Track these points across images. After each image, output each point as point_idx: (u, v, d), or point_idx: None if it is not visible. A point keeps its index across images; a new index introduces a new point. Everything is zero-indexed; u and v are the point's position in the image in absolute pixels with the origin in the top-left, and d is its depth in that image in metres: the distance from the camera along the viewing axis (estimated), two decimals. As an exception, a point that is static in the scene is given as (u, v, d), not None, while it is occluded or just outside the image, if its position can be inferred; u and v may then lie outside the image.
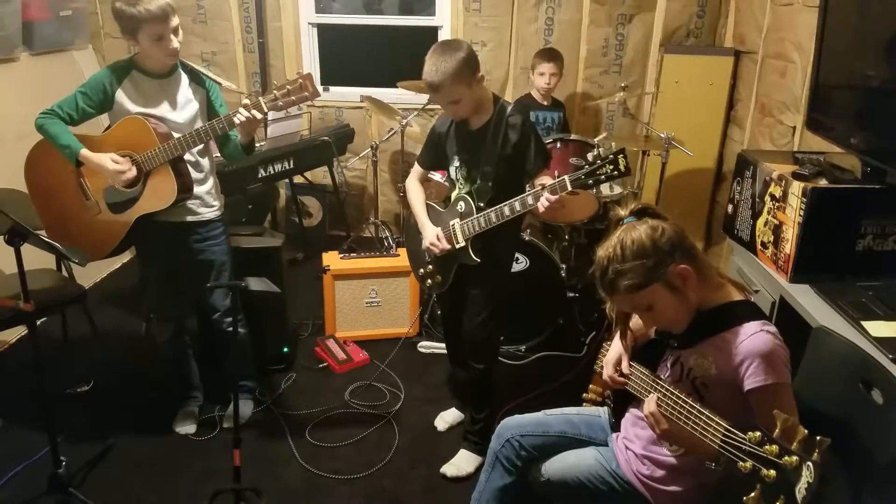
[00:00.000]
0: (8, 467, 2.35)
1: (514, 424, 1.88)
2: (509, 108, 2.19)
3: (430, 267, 2.41)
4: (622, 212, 1.58)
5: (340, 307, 3.27)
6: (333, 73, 4.52)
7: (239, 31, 4.29)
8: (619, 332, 1.71)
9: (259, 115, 2.11)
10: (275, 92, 2.07)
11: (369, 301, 3.28)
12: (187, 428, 2.61)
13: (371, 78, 4.37)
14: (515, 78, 4.15)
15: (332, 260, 3.27)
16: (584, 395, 1.90)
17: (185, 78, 2.29)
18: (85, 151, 2.16)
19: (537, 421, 1.86)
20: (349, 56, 4.56)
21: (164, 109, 2.24)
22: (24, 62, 3.53)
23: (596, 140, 3.30)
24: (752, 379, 1.38)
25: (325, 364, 3.09)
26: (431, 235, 2.30)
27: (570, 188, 1.96)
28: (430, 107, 3.68)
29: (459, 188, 2.29)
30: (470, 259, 2.23)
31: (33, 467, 2.36)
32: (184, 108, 2.28)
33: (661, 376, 1.55)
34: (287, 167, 3.81)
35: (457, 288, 2.37)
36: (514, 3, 4.01)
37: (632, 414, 1.70)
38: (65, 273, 2.95)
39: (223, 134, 2.25)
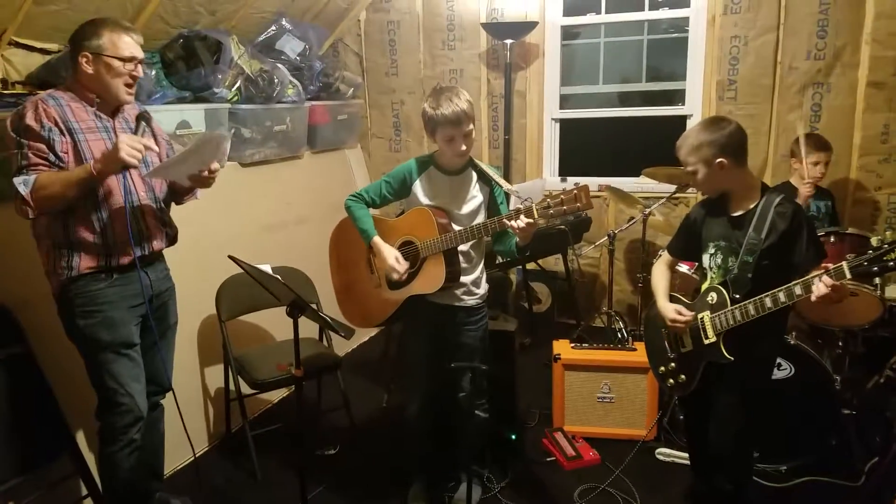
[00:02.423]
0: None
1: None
2: (778, 197, 2.02)
3: (674, 365, 2.23)
4: None
5: (570, 399, 3.14)
6: (570, 163, 4.60)
7: (486, 129, 4.60)
8: None
9: (532, 222, 2.15)
10: (548, 200, 2.09)
11: (601, 396, 3.12)
12: (419, 504, 2.65)
13: (608, 167, 4.37)
14: (775, 166, 3.85)
15: (562, 349, 3.18)
16: None
17: (473, 176, 2.45)
18: (376, 240, 2.43)
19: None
20: (587, 146, 4.63)
21: (449, 203, 2.42)
22: (307, 159, 4.12)
23: (878, 238, 2.88)
24: None
25: (553, 458, 2.97)
26: (672, 313, 2.16)
27: (848, 275, 1.72)
28: (676, 195, 3.54)
29: (712, 279, 2.13)
30: (721, 357, 2.03)
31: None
32: (467, 204, 2.43)
33: None
34: (523, 255, 3.87)
35: (704, 391, 2.16)
36: (776, 90, 3.78)
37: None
38: (325, 342, 3.26)
39: (500, 231, 2.34)
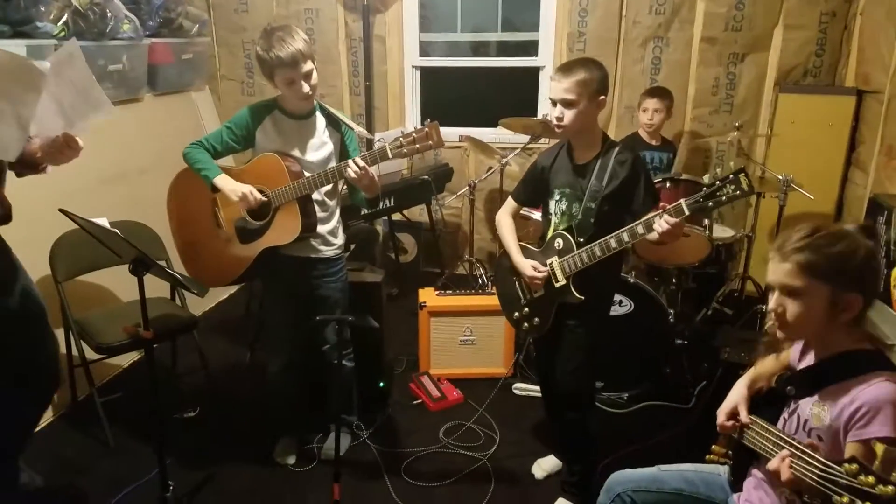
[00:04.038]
0: (118, 488, 2.44)
1: (625, 479, 1.77)
2: (617, 147, 2.13)
3: (527, 309, 2.32)
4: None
5: (435, 344, 3.25)
6: (433, 113, 4.61)
7: (346, 75, 4.46)
8: (745, 376, 1.61)
9: (371, 171, 2.15)
10: (400, 139, 2.09)
11: (464, 339, 3.24)
12: (287, 458, 2.63)
13: (469, 118, 4.43)
14: (619, 117, 4.09)
15: (428, 296, 3.26)
16: (708, 456, 1.70)
17: (322, 120, 2.37)
18: (221, 177, 2.26)
19: (651, 476, 1.75)
20: (449, 96, 4.65)
21: (299, 149, 2.32)
22: (148, 102, 3.78)
23: (710, 176, 3.18)
24: (864, 430, 1.26)
25: (420, 401, 3.07)
26: (529, 269, 2.21)
27: (687, 212, 1.85)
28: (530, 146, 3.66)
29: (556, 224, 2.21)
30: (572, 297, 2.13)
31: (141, 489, 2.43)
32: (318, 149, 2.35)
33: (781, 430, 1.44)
34: (388, 205, 3.88)
35: (552, 331, 2.27)
36: (620, 44, 3.99)
37: (754, 476, 1.57)
38: (178, 302, 3.09)
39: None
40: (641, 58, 3.99)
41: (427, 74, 4.54)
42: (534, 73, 4.29)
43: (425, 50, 4.50)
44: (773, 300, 1.44)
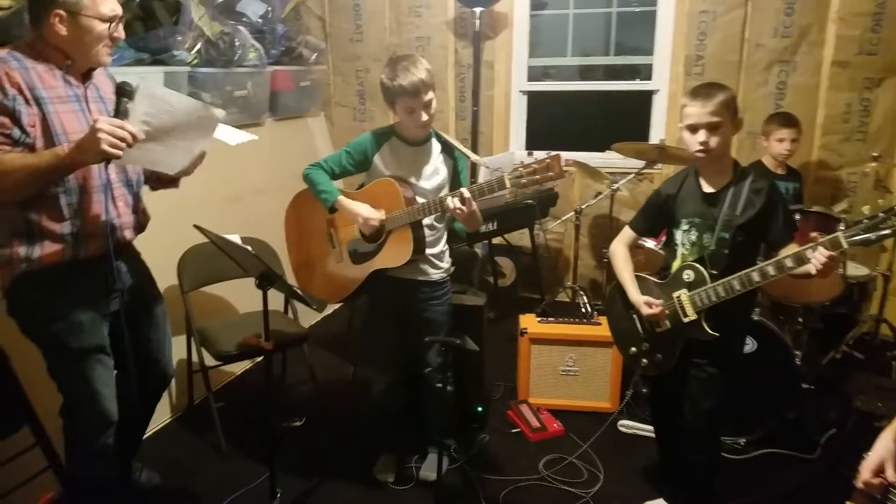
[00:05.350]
0: (227, 491, 2.53)
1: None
2: (751, 174, 2.03)
3: (647, 345, 2.20)
4: None
5: (535, 372, 3.17)
6: (537, 137, 4.58)
7: (453, 100, 4.52)
8: (890, 428, 1.47)
9: (470, 209, 2.14)
10: (520, 170, 2.05)
11: (566, 369, 3.14)
12: (387, 476, 2.64)
13: (573, 142, 4.36)
14: (740, 142, 3.90)
15: (529, 323, 3.19)
16: None
17: (437, 147, 2.41)
18: (341, 198, 2.34)
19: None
20: (554, 120, 4.61)
21: (413, 175, 2.36)
22: (268, 126, 3.98)
23: (837, 212, 2.96)
24: None
25: (518, 430, 3.00)
26: (643, 305, 2.12)
27: (845, 245, 1.71)
28: (643, 171, 3.56)
29: (683, 255, 2.11)
30: (705, 334, 2.01)
31: (249, 494, 2.51)
32: (431, 176, 2.39)
33: None
34: (491, 229, 3.86)
35: (675, 368, 2.15)
36: (742, 66, 3.81)
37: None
38: (290, 315, 3.20)
39: None
40: (765, 82, 3.79)
41: (534, 98, 4.52)
42: (640, 96, 4.18)
43: (531, 74, 4.49)
44: None
